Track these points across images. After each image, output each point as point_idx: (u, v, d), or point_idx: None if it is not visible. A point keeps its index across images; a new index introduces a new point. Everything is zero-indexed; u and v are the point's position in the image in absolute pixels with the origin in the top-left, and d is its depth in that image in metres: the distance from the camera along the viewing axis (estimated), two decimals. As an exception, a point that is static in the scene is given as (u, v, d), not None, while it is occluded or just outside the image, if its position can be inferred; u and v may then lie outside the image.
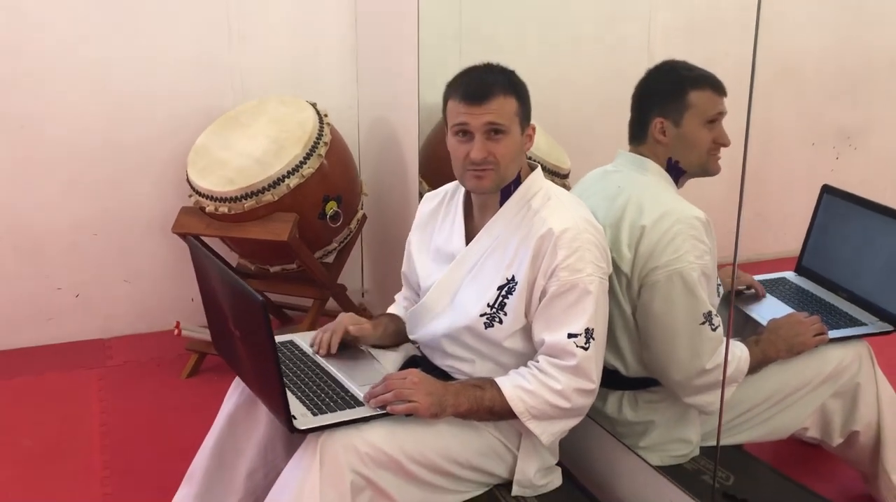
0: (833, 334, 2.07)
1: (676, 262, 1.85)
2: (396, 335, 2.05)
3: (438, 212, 2.01)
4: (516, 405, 1.75)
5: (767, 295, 2.26)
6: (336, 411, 1.70)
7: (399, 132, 3.08)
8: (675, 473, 1.94)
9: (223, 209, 2.80)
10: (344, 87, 3.42)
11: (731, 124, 2.01)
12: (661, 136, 1.94)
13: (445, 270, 1.91)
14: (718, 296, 1.98)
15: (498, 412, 1.76)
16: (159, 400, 2.88)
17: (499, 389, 1.76)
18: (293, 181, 2.79)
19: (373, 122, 3.37)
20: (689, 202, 1.95)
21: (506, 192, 1.85)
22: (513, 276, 1.80)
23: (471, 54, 3.12)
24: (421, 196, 2.89)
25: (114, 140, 3.18)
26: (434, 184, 2.86)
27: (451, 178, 1.93)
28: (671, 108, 1.93)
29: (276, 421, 1.84)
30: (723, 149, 1.98)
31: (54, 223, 3.19)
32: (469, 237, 1.90)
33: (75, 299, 3.28)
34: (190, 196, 2.92)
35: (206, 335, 2.97)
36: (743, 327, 2.19)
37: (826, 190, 2.25)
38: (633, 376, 2.00)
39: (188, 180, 2.90)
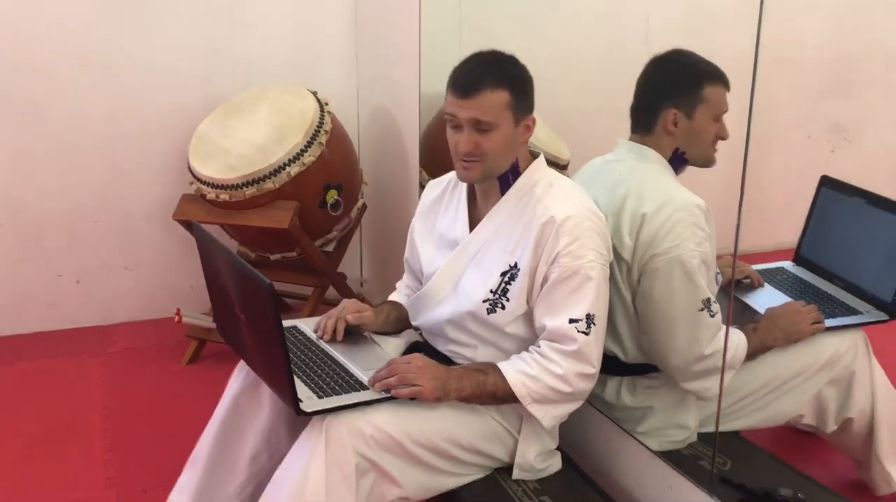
0: (829, 323, 2.10)
1: (677, 250, 1.87)
2: (398, 322, 2.07)
3: (442, 199, 2.03)
4: (518, 389, 1.77)
5: (765, 284, 2.28)
6: (341, 394, 1.72)
7: (399, 121, 3.10)
8: (673, 458, 1.97)
9: (224, 196, 2.82)
10: (343, 75, 3.44)
11: (729, 116, 2.04)
12: (672, 128, 1.96)
13: (448, 257, 1.94)
14: (717, 284, 2.01)
15: (500, 396, 1.79)
16: (160, 387, 2.90)
17: (501, 374, 1.79)
18: (294, 169, 2.80)
19: (372, 110, 3.38)
20: (688, 190, 1.97)
21: (504, 181, 1.86)
22: (515, 263, 1.82)
23: (470, 44, 3.14)
24: (421, 186, 2.92)
25: (115, 127, 3.19)
26: (434, 174, 2.87)
27: (452, 168, 1.95)
28: (686, 100, 1.95)
29: (279, 405, 1.86)
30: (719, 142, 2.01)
31: (55, 209, 3.21)
32: (472, 224, 1.92)
33: (76, 285, 3.30)
34: (191, 183, 2.93)
35: (206, 322, 2.99)
36: (741, 315, 2.22)
37: (824, 181, 2.28)
38: (631, 362, 2.03)
39: (189, 167, 2.92)
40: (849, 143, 3.20)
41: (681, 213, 1.88)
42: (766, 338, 2.05)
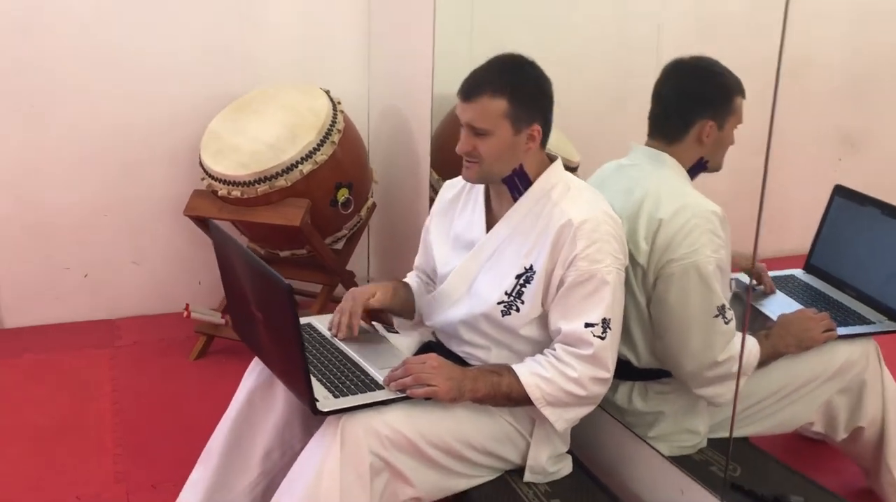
0: (841, 331, 2.10)
1: (693, 255, 1.88)
2: (405, 303, 2.08)
3: (458, 200, 2.04)
4: (533, 391, 1.78)
5: (777, 291, 2.29)
6: (357, 394, 1.73)
7: (410, 121, 3.10)
8: (683, 463, 1.97)
9: (236, 193, 2.82)
10: (354, 74, 3.44)
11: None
12: (705, 139, 1.97)
13: (464, 257, 1.94)
14: (731, 290, 2.01)
15: (514, 398, 1.80)
16: (168, 382, 2.90)
17: (516, 376, 1.79)
18: (306, 167, 2.81)
19: (383, 109, 3.39)
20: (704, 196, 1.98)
21: (512, 185, 1.87)
22: (531, 265, 1.83)
23: (482, 46, 3.15)
24: (431, 186, 2.93)
25: (125, 122, 3.20)
26: (444, 175, 2.88)
27: (461, 169, 1.95)
28: (721, 112, 1.96)
29: (293, 403, 1.87)
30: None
31: (64, 203, 3.21)
32: (489, 226, 1.93)
33: (84, 279, 3.30)
34: (202, 179, 2.94)
35: (214, 317, 3.00)
36: (752, 321, 2.22)
37: (837, 190, 2.28)
38: (644, 367, 2.03)
39: (201, 164, 2.92)
40: (856, 153, 3.21)
41: (697, 219, 1.89)
42: (778, 344, 2.06)
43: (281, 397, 1.89)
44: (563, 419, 1.82)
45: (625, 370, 2.02)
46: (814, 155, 3.17)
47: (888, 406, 2.10)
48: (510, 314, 1.86)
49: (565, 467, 1.96)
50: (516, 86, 1.80)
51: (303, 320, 2.05)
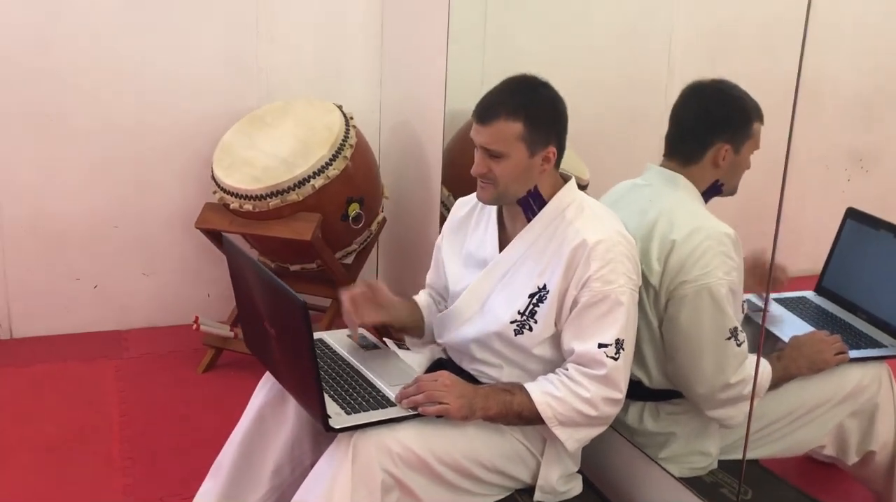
0: (853, 354, 2.10)
1: (705, 278, 1.88)
2: (412, 315, 2.07)
3: (471, 218, 2.04)
4: (544, 411, 1.77)
5: (788, 312, 2.28)
6: (369, 411, 1.73)
7: (422, 137, 3.11)
8: (694, 485, 1.97)
9: (248, 206, 2.83)
10: (367, 89, 3.45)
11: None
12: (721, 162, 1.97)
13: (476, 276, 1.94)
14: (743, 312, 2.01)
15: (526, 417, 1.79)
16: (176, 393, 2.90)
17: (528, 394, 1.79)
18: (318, 182, 2.82)
19: (395, 125, 3.40)
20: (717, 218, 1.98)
21: (526, 206, 1.87)
22: (545, 285, 1.83)
23: (494, 63, 3.17)
24: (442, 202, 2.94)
25: (138, 134, 3.21)
26: (455, 191, 2.89)
27: (472, 185, 1.96)
28: (738, 136, 1.97)
29: (303, 418, 1.87)
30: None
31: (76, 214, 3.22)
32: (501, 244, 1.93)
33: (94, 290, 3.31)
34: (214, 192, 2.95)
35: (223, 330, 3.00)
36: (764, 343, 2.22)
37: (850, 213, 2.28)
38: (656, 387, 2.03)
39: (213, 177, 2.93)
40: (865, 174, 3.21)
41: (710, 242, 1.89)
42: (790, 366, 2.05)
43: (292, 412, 1.88)
44: (574, 439, 1.81)
45: (636, 390, 2.01)
46: (825, 175, 3.17)
47: (900, 430, 2.09)
48: (523, 333, 1.86)
49: (576, 487, 1.95)
50: (531, 108, 1.81)
51: (315, 335, 2.05)
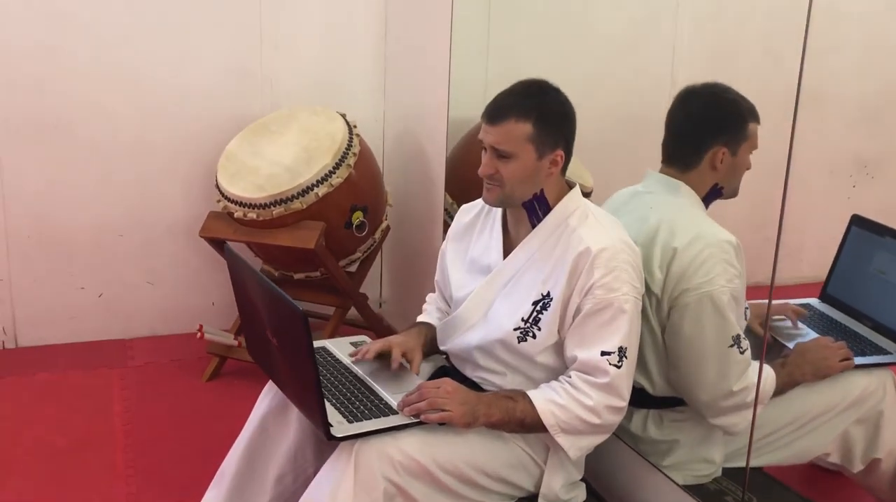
0: (858, 361, 2.09)
1: (707, 285, 1.87)
2: (431, 345, 2.07)
3: (475, 224, 2.04)
4: (547, 418, 1.77)
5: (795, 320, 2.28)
6: (371, 419, 1.72)
7: (426, 145, 3.11)
8: (698, 493, 1.96)
9: (251, 215, 2.84)
10: (371, 98, 3.46)
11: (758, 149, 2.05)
12: (718, 165, 1.97)
13: (480, 282, 1.94)
14: (745, 319, 2.00)
15: (529, 424, 1.79)
16: (180, 402, 2.90)
17: (530, 402, 1.78)
18: (322, 190, 2.82)
19: (399, 134, 3.40)
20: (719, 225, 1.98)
21: (531, 210, 1.87)
22: (548, 292, 1.83)
23: (497, 70, 3.17)
24: (446, 210, 2.94)
25: (143, 143, 3.22)
26: (458, 198, 2.89)
27: (476, 193, 1.96)
28: (734, 138, 1.97)
29: (306, 427, 1.87)
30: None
31: (81, 223, 3.23)
32: (506, 251, 1.93)
33: (98, 299, 3.31)
34: (218, 201, 2.95)
35: (227, 339, 3.00)
36: (769, 350, 2.21)
37: (855, 220, 2.28)
38: (659, 395, 2.02)
39: (217, 185, 2.94)
40: (871, 180, 3.20)
41: (712, 249, 1.88)
42: (794, 372, 2.05)
43: (294, 421, 1.88)
44: (576, 447, 1.81)
45: (640, 398, 2.01)
46: (829, 182, 3.17)
47: (906, 438, 2.08)
48: (526, 341, 1.85)
49: (579, 495, 1.94)
50: (542, 110, 1.81)
51: (317, 344, 2.05)
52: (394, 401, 1.79)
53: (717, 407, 1.92)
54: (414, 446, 1.71)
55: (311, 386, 1.63)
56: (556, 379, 1.84)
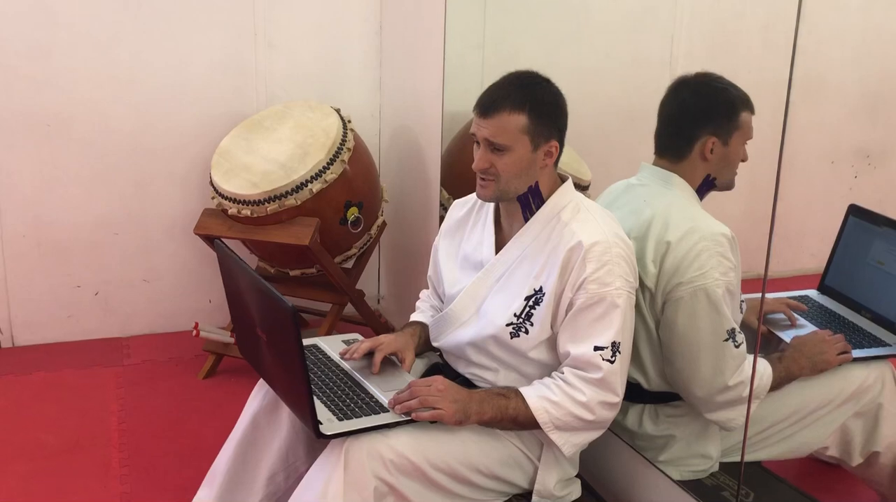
0: (856, 354, 2.06)
1: (701, 279, 1.85)
2: (426, 344, 2.05)
3: (468, 219, 2.02)
4: (540, 415, 1.75)
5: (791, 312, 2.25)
6: (361, 417, 1.71)
7: (421, 140, 3.09)
8: (694, 488, 1.94)
9: (246, 212, 2.82)
10: (366, 93, 3.44)
11: (756, 140, 2.02)
12: (709, 155, 1.95)
13: (472, 278, 1.92)
14: (741, 313, 1.98)
15: (521, 421, 1.77)
16: (177, 400, 2.89)
17: (523, 399, 1.77)
18: (316, 186, 2.80)
19: (395, 129, 3.38)
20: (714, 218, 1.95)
21: (525, 203, 1.85)
22: (541, 287, 1.81)
23: (493, 63, 3.15)
24: (442, 204, 2.92)
25: (138, 141, 3.21)
26: (455, 193, 2.87)
27: (472, 187, 1.94)
28: (723, 127, 1.94)
29: (298, 425, 1.85)
30: (740, 165, 2.01)
31: (77, 221, 3.22)
32: (498, 246, 1.91)
33: (95, 297, 3.30)
34: (213, 198, 2.94)
35: (223, 337, 2.99)
36: (767, 344, 2.19)
37: (852, 210, 2.25)
38: (654, 390, 2.00)
39: (211, 182, 2.92)
40: (873, 170, 3.17)
41: (706, 242, 1.86)
42: (791, 366, 2.02)
43: (286, 419, 1.87)
44: (570, 443, 1.79)
45: (635, 393, 1.99)
46: (830, 173, 3.14)
47: (905, 430, 2.06)
48: (519, 336, 1.83)
49: (574, 491, 1.93)
50: (536, 101, 1.79)
51: (309, 341, 2.04)
52: (385, 399, 1.77)
53: (712, 402, 1.90)
54: (405, 444, 1.70)
55: (299, 383, 1.61)
56: (549, 374, 1.82)
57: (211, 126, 3.19)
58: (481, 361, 1.91)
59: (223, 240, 2.92)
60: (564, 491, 1.90)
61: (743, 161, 2.00)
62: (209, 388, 2.99)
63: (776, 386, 1.97)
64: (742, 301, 1.97)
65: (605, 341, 1.74)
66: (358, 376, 1.88)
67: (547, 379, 1.81)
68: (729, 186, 2.02)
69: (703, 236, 1.86)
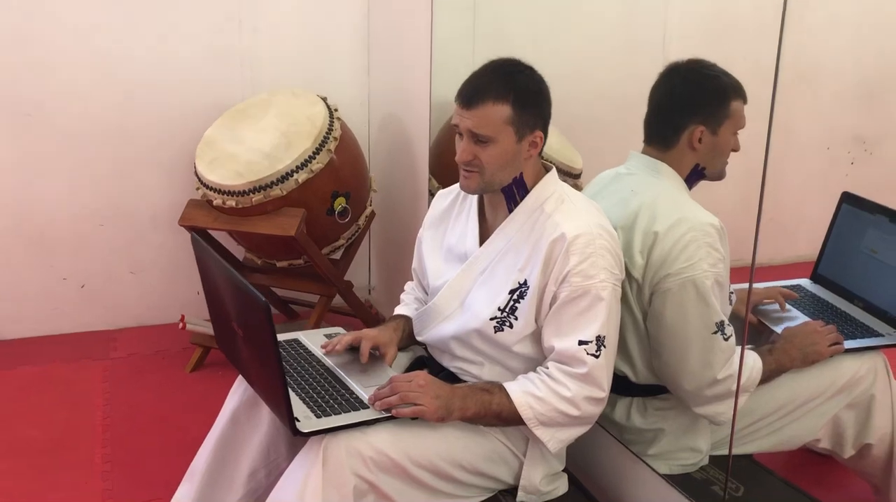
0: (849, 344, 2.03)
1: (689, 270, 1.81)
2: (410, 337, 2.01)
3: (452, 210, 1.98)
4: (524, 411, 1.72)
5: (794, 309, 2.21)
6: (340, 413, 1.67)
7: (410, 129, 3.05)
8: (683, 482, 1.91)
9: (231, 203, 2.77)
10: (355, 81, 3.39)
11: (747, 127, 1.98)
12: (697, 144, 1.90)
13: (456, 271, 1.88)
14: (731, 304, 1.94)
15: (505, 417, 1.73)
16: (163, 394, 2.86)
17: (507, 394, 1.73)
18: (302, 176, 2.76)
19: (383, 117, 3.34)
20: (703, 208, 1.91)
21: (509, 195, 1.81)
22: (525, 280, 1.77)
23: (483, 51, 3.10)
24: (431, 193, 2.88)
25: (122, 131, 3.16)
26: (444, 182, 2.83)
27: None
28: (712, 116, 1.88)
29: (278, 421, 1.82)
30: (733, 154, 1.96)
31: (61, 213, 3.17)
32: (482, 238, 1.87)
33: (80, 290, 3.26)
34: (197, 189, 2.89)
35: (210, 329, 2.95)
36: (758, 335, 2.15)
37: (845, 198, 2.21)
38: (642, 383, 1.97)
39: (196, 173, 2.88)
40: (869, 156, 3.13)
41: (694, 233, 1.82)
42: (782, 358, 1.99)
43: (266, 415, 1.84)
44: (556, 439, 1.75)
45: (623, 385, 1.96)
46: (826, 160, 3.10)
47: (898, 422, 2.02)
48: (503, 330, 1.80)
49: (560, 487, 1.89)
50: (520, 91, 1.74)
51: (289, 335, 2.00)
52: (365, 395, 1.73)
53: (701, 396, 1.86)
54: (384, 441, 1.66)
55: (275, 378, 1.57)
56: (534, 369, 1.79)
57: (195, 114, 3.14)
58: (466, 355, 1.87)
59: (209, 231, 2.93)
60: (551, 486, 1.87)
61: (735, 151, 1.95)
62: (196, 381, 2.95)
63: (767, 378, 1.94)
64: (732, 292, 1.93)
65: (589, 335, 1.70)
66: (339, 371, 1.84)
67: (532, 374, 1.77)
68: (719, 176, 1.97)
69: (692, 226, 1.82)
